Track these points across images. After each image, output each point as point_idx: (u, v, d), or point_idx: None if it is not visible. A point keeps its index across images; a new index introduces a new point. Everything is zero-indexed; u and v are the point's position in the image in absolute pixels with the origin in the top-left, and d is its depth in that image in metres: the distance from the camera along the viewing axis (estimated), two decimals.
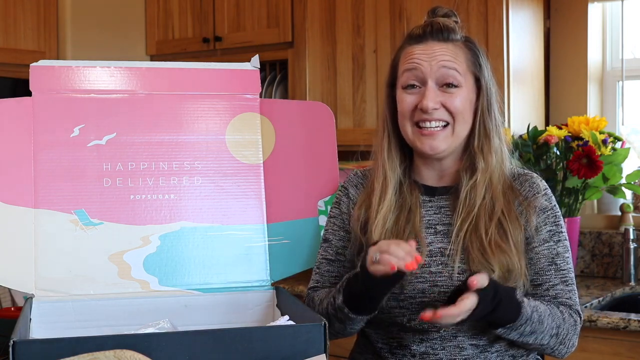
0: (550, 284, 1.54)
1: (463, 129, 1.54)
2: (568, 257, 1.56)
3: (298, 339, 1.25)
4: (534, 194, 1.56)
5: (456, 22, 1.58)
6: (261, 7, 3.40)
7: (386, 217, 1.55)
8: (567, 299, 1.54)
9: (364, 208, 1.59)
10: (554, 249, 1.54)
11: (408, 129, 1.55)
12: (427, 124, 1.52)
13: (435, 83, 1.52)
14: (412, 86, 1.53)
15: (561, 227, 1.56)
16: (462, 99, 1.52)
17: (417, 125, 1.53)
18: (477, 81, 1.56)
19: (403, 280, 1.51)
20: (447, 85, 1.52)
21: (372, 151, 1.64)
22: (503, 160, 1.57)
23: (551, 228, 1.55)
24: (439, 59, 1.52)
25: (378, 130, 1.63)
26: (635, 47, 3.13)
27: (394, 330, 1.55)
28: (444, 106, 1.52)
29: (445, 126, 1.53)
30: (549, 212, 1.56)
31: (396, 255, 1.36)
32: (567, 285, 1.55)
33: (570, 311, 1.53)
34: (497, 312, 1.40)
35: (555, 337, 1.50)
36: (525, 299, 1.46)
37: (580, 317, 1.55)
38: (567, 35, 3.08)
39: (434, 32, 1.54)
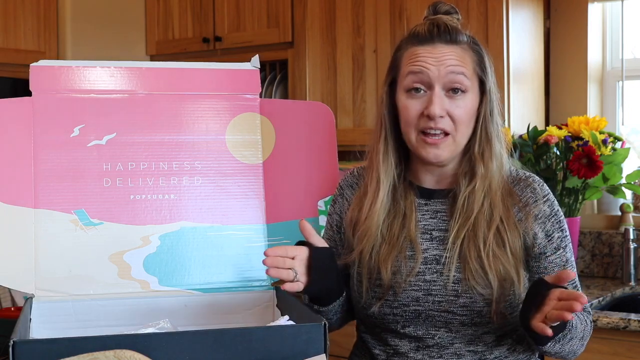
0: None
1: (464, 136, 1.50)
2: (573, 260, 1.56)
3: (298, 339, 1.25)
4: (535, 201, 1.52)
5: (458, 19, 1.53)
6: (261, 7, 3.40)
7: (378, 223, 1.52)
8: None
9: (357, 210, 1.57)
10: (564, 255, 1.53)
11: (412, 136, 1.49)
12: (432, 131, 1.47)
13: (442, 88, 1.46)
14: (417, 90, 1.47)
15: (566, 232, 1.54)
16: (466, 107, 1.48)
17: (422, 132, 1.48)
18: (482, 84, 1.51)
19: (397, 288, 1.50)
20: (453, 90, 1.47)
21: (366, 150, 1.60)
22: (502, 165, 1.53)
23: (559, 234, 1.53)
24: (448, 63, 1.46)
25: (374, 130, 1.58)
26: (635, 47, 3.13)
27: (389, 336, 1.54)
28: (449, 114, 1.46)
29: (446, 135, 1.48)
30: (554, 219, 1.53)
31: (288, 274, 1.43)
32: (577, 290, 1.54)
33: (585, 312, 1.53)
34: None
35: (582, 340, 1.50)
36: None
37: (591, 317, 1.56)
38: (567, 35, 3.08)
39: (441, 33, 1.47)
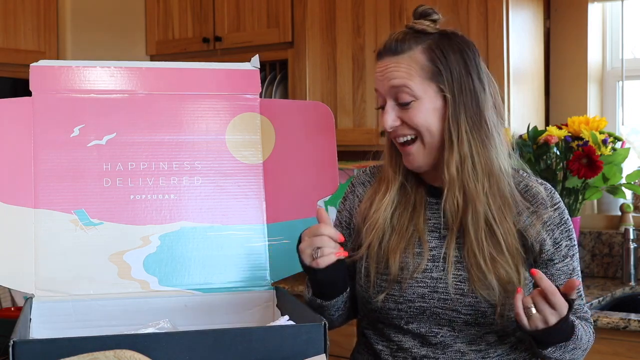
0: None
1: (433, 140, 1.48)
2: (579, 269, 1.57)
3: (298, 339, 1.25)
4: (545, 208, 1.52)
5: (434, 20, 1.50)
6: (261, 7, 3.40)
7: (385, 216, 1.54)
8: (584, 312, 1.55)
9: (369, 204, 1.59)
10: (571, 264, 1.54)
11: (394, 144, 1.54)
12: (398, 140, 1.50)
13: (392, 100, 1.49)
14: (382, 106, 1.52)
15: (574, 241, 1.55)
16: (422, 113, 1.47)
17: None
18: (441, 88, 1.47)
19: (403, 283, 1.51)
20: (401, 104, 1.48)
21: (383, 150, 1.62)
22: (480, 163, 1.47)
23: (567, 243, 1.53)
24: (389, 77, 1.47)
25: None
26: (635, 47, 3.14)
27: (392, 332, 1.55)
28: (404, 122, 1.48)
29: (414, 139, 1.49)
30: (563, 227, 1.53)
31: (329, 246, 1.44)
32: (582, 299, 1.56)
33: (588, 323, 1.54)
34: (556, 330, 1.38)
35: (584, 351, 1.50)
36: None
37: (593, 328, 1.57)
38: (567, 35, 3.08)
39: (387, 47, 1.49)
